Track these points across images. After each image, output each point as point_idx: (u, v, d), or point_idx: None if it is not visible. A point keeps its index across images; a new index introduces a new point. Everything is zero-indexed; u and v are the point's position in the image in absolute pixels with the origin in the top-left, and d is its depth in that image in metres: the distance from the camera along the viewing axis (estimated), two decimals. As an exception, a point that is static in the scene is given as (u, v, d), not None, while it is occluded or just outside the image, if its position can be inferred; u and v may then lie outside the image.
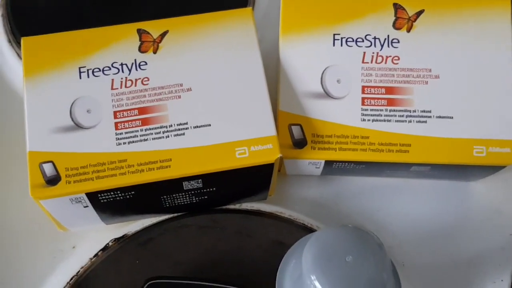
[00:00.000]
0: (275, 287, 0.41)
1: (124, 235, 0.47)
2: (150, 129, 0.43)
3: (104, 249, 0.47)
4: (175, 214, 0.48)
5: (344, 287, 0.35)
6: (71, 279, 0.46)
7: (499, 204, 0.51)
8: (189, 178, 0.43)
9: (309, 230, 0.48)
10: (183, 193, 0.44)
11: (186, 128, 0.43)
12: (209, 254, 0.47)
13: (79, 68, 0.44)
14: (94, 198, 0.42)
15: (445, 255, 0.49)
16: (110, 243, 0.47)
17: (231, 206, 0.49)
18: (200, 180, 0.43)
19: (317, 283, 0.35)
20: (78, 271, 0.46)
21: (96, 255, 0.47)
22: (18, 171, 0.47)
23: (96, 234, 0.48)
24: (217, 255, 0.47)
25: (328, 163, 0.47)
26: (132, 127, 0.43)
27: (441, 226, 0.51)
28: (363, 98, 0.46)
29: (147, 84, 0.44)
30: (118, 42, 0.46)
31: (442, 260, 0.49)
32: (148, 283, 0.42)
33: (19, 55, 0.54)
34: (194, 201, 0.46)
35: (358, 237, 0.36)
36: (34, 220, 0.49)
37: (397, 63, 0.47)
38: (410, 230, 0.50)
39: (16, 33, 0.55)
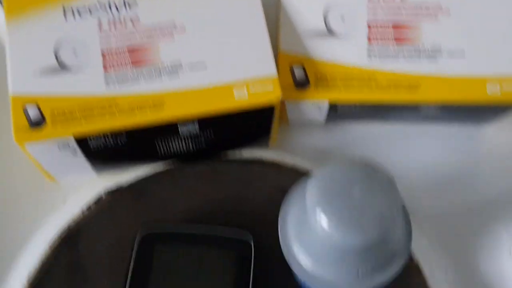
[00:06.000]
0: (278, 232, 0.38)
1: (118, 186, 0.45)
2: (141, 70, 0.40)
3: (96, 201, 0.44)
4: (171, 163, 0.46)
5: (350, 222, 0.32)
6: (62, 232, 0.43)
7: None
8: (184, 122, 0.40)
9: (314, 177, 0.45)
10: (179, 138, 0.42)
11: (180, 69, 0.40)
12: (207, 203, 0.44)
13: (63, 7, 0.41)
14: (83, 143, 0.39)
15: (457, 201, 0.47)
16: (103, 195, 0.45)
17: (231, 154, 0.46)
18: (196, 124, 0.40)
19: (322, 220, 0.32)
20: (69, 225, 0.43)
21: (88, 208, 0.44)
22: (3, 121, 0.44)
23: (88, 186, 0.45)
24: (216, 204, 0.44)
25: (333, 107, 0.44)
26: (122, 68, 0.40)
27: (452, 172, 0.48)
28: (369, 35, 0.43)
29: (137, 23, 0.41)
30: (106, -20, 0.42)
31: (454, 206, 0.47)
32: (143, 232, 0.40)
33: None
34: (191, 148, 0.43)
35: (366, 171, 0.33)
36: (22, 173, 0.46)
37: (404, -2, 0.44)
38: (420, 176, 0.48)
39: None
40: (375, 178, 0.33)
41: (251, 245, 0.40)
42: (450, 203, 0.47)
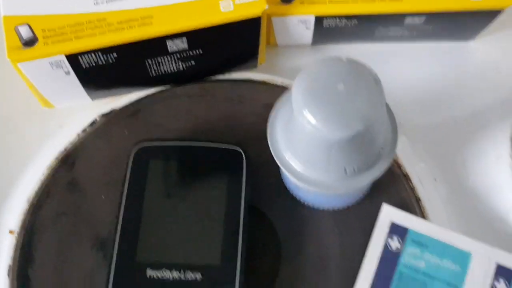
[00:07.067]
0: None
1: (112, 110, 0.46)
2: (128, -14, 0.41)
3: (91, 124, 0.45)
4: (163, 87, 0.47)
5: (335, 117, 0.33)
6: (59, 154, 0.44)
7: (497, 61, 0.50)
8: (172, 37, 0.41)
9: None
10: (168, 57, 0.43)
11: (167, -16, 0.41)
12: (200, 121, 0.45)
13: None
14: (74, 61, 0.40)
15: (444, 114, 0.48)
16: (98, 118, 0.46)
17: (221, 76, 0.47)
18: (184, 39, 0.41)
19: (308, 116, 0.33)
20: (66, 147, 0.45)
21: (84, 130, 0.45)
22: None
23: (83, 112, 0.47)
24: (209, 122, 0.45)
25: (319, 22, 0.45)
26: (110, -15, 0.41)
27: (440, 87, 0.49)
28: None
29: None
30: None
31: (442, 119, 0.48)
32: (137, 147, 0.41)
33: None
34: (181, 68, 0.44)
35: (351, 68, 0.34)
36: (18, 102, 0.47)
37: None
38: (407, 92, 0.49)
39: None
40: (359, 75, 0.34)
41: (242, 156, 0.41)
42: (437, 116, 0.48)
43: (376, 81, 0.34)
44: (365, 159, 0.36)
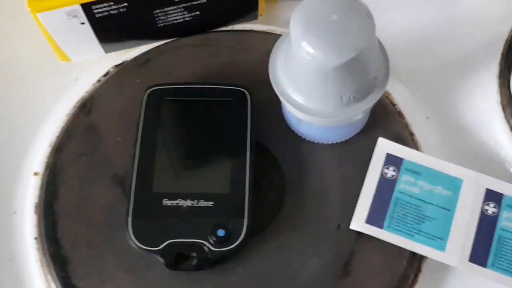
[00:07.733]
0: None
1: (124, 61, 0.49)
2: None
3: (105, 74, 0.49)
4: (170, 40, 0.50)
5: (330, 45, 0.37)
6: (77, 102, 0.48)
7: (484, 6, 0.52)
8: (178, -15, 0.44)
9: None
10: (175, 7, 0.46)
11: None
12: (206, 69, 0.48)
13: None
14: (89, 10, 0.44)
15: (434, 58, 0.51)
16: (111, 69, 0.49)
17: (224, 28, 0.51)
18: (189, -12, 0.44)
19: (306, 46, 0.37)
20: (83, 96, 0.48)
21: (98, 80, 0.49)
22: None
23: (97, 65, 0.50)
24: (215, 68, 0.48)
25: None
26: None
27: (429, 32, 0.52)
28: None
29: None
30: None
31: (432, 62, 0.51)
32: (149, 90, 0.45)
33: None
34: (187, 18, 0.48)
35: (345, 1, 0.37)
36: (36, 57, 0.50)
37: None
38: (398, 39, 0.51)
39: None
40: (352, 7, 0.37)
41: (246, 95, 0.45)
42: (429, 60, 0.51)
43: (368, 13, 0.37)
44: (359, 88, 0.40)
